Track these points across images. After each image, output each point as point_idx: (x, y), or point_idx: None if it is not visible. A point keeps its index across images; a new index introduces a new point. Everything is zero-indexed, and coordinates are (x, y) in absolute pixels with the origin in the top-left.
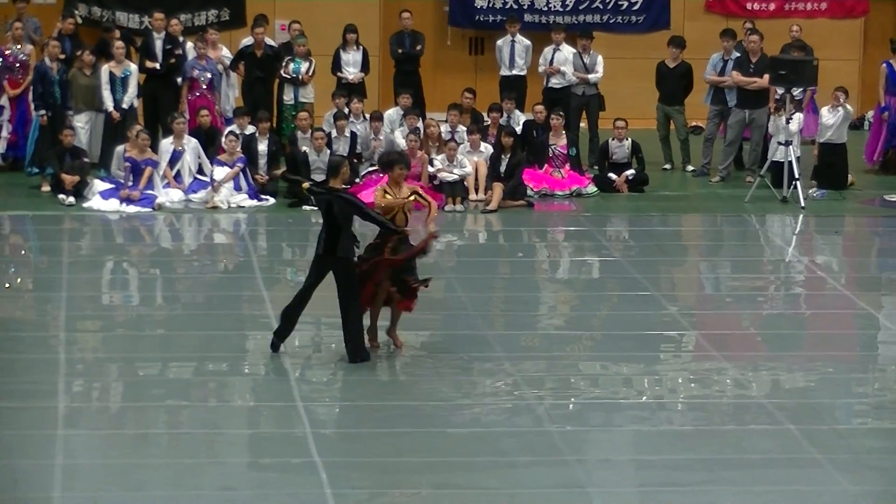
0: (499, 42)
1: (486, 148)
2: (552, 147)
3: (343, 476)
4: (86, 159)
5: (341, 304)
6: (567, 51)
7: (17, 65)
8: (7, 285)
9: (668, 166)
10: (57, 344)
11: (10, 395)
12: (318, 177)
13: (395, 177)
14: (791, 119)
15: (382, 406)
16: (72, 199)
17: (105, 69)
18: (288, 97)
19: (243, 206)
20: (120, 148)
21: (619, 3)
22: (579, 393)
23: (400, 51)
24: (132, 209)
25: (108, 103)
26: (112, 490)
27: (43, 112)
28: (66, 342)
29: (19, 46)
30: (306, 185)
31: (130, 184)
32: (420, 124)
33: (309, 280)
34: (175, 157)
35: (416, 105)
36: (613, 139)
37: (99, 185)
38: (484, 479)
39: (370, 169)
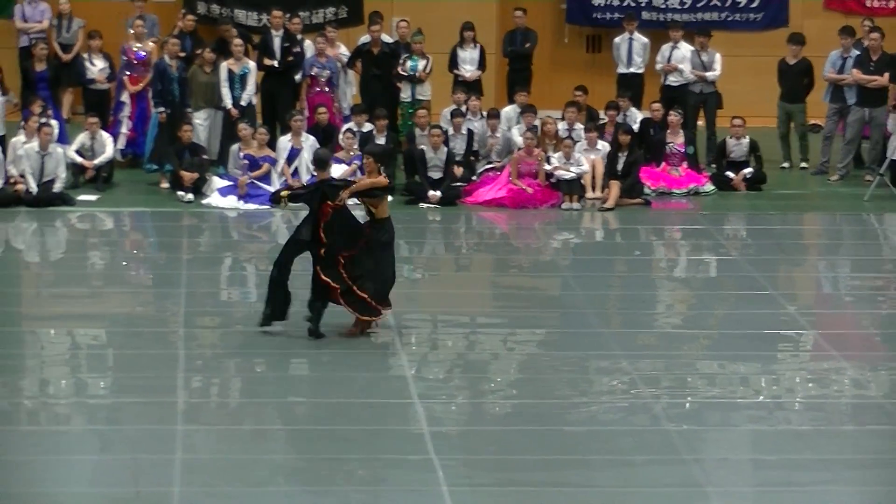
0: (616, 40)
1: (603, 146)
2: (669, 145)
3: (460, 473)
4: (204, 156)
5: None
6: (685, 48)
7: (138, 62)
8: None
9: (786, 164)
10: (176, 340)
11: (131, 391)
12: (435, 174)
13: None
14: None
15: (499, 403)
16: (190, 196)
17: (224, 66)
18: (405, 95)
19: (360, 204)
20: (234, 147)
21: (738, 1)
22: (696, 392)
23: (510, 48)
24: (250, 206)
25: (227, 101)
26: (231, 485)
27: (162, 109)
28: (185, 338)
29: (140, 44)
30: (285, 193)
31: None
32: (537, 122)
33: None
34: (293, 154)
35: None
36: (731, 137)
37: (217, 181)
38: (600, 477)
39: (487, 167)
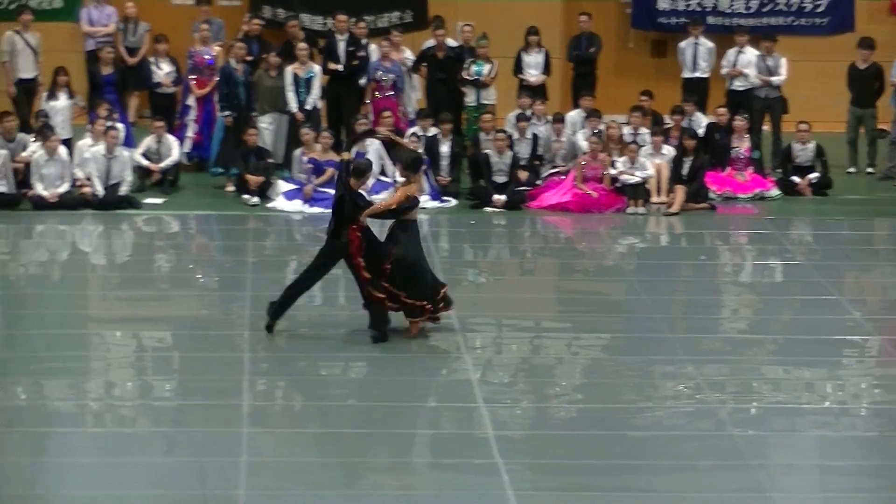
0: (681, 44)
1: (669, 150)
2: (735, 150)
3: (525, 478)
4: (270, 160)
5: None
6: (750, 53)
7: (204, 66)
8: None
9: (852, 169)
10: (241, 343)
11: (197, 393)
12: (500, 179)
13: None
14: None
15: (564, 408)
16: (256, 200)
17: (289, 71)
18: (470, 99)
19: (425, 208)
20: (297, 151)
21: (804, 5)
22: (762, 397)
23: (575, 53)
24: (315, 209)
25: (293, 104)
26: (295, 488)
27: (228, 113)
28: (250, 341)
29: (206, 48)
30: (346, 156)
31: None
32: (602, 126)
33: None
34: (357, 158)
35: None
36: (796, 142)
37: (283, 185)
38: (666, 482)
39: (552, 171)
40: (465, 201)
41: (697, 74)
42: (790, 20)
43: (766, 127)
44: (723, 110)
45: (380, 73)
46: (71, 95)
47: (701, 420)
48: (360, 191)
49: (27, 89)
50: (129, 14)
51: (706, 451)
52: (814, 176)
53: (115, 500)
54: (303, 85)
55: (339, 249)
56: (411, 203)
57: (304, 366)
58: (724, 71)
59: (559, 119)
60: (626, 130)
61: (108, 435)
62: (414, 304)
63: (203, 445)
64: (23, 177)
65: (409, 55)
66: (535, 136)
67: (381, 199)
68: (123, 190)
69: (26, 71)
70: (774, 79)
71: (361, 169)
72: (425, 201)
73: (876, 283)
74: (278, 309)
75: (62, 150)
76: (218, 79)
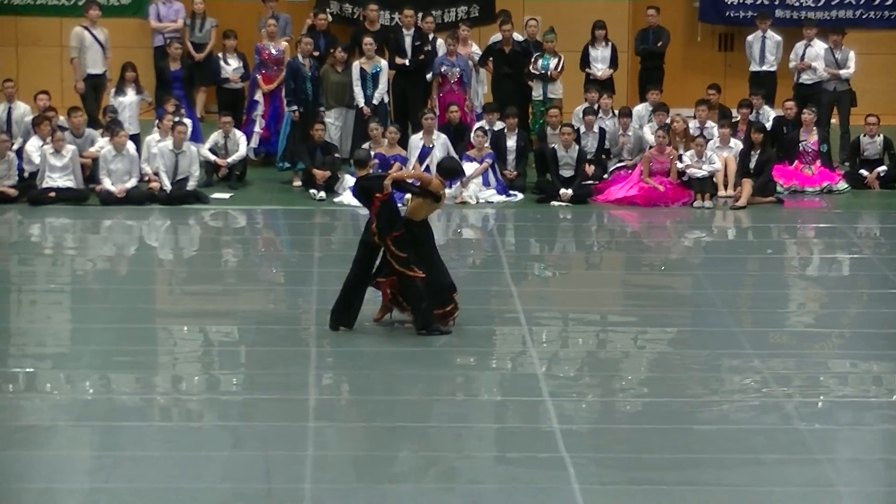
0: (749, 38)
1: (736, 144)
2: (802, 143)
3: (591, 472)
4: (337, 155)
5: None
6: (819, 46)
7: (271, 61)
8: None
9: None
10: (307, 337)
11: (264, 387)
12: (567, 173)
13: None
14: None
15: (630, 402)
16: (322, 194)
17: (356, 65)
18: (536, 93)
19: (492, 202)
20: (365, 146)
21: None
22: (828, 391)
23: (643, 47)
24: None
25: (359, 99)
26: (361, 482)
27: (295, 108)
28: (316, 336)
29: (273, 43)
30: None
31: None
32: (668, 120)
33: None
34: (424, 152)
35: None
36: (865, 135)
37: (349, 180)
38: (732, 476)
39: (618, 165)
40: (532, 196)
41: (765, 68)
42: (858, 13)
43: (834, 120)
44: (790, 104)
45: (445, 67)
46: (139, 91)
47: (767, 414)
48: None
49: (95, 85)
50: (197, 10)
51: (773, 445)
52: (882, 169)
53: (182, 494)
54: (369, 80)
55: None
56: (437, 196)
57: (370, 360)
58: (791, 64)
59: (626, 113)
60: (693, 124)
61: (176, 429)
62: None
63: (269, 439)
64: (91, 172)
65: (475, 50)
66: (601, 130)
67: (448, 193)
68: (191, 185)
69: (95, 66)
70: (843, 72)
71: (363, 160)
72: (491, 195)
73: None
74: (345, 312)
75: (130, 145)
76: (285, 74)
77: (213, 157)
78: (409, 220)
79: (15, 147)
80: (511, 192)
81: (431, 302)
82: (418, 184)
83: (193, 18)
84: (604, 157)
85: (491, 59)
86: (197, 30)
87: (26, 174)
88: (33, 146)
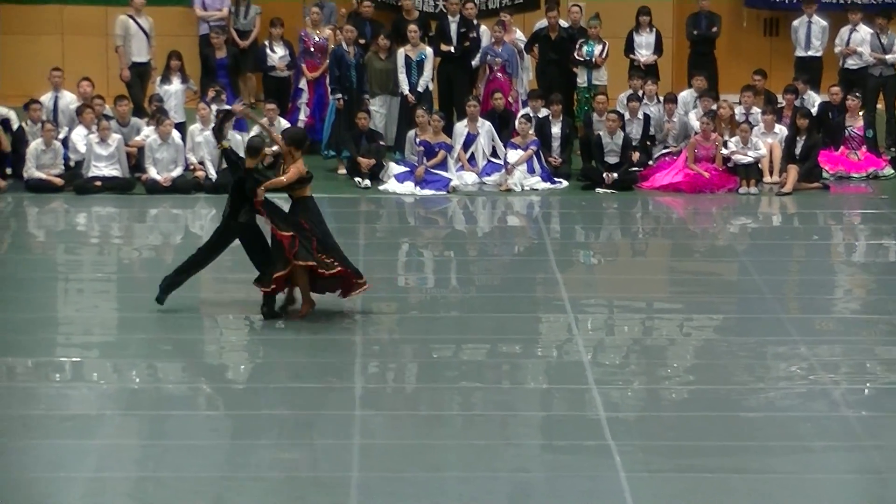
0: (795, 23)
1: (781, 130)
2: (848, 129)
3: (637, 459)
4: (381, 142)
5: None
6: (864, 31)
7: (316, 49)
8: None
9: None
10: (353, 325)
11: (310, 376)
12: (612, 159)
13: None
14: None
15: (676, 389)
16: (368, 182)
17: (401, 52)
18: (581, 80)
19: (537, 189)
20: (411, 133)
21: None
22: (875, 378)
23: (695, 32)
24: (427, 192)
25: (404, 86)
26: (408, 470)
27: (339, 96)
28: (362, 324)
29: (317, 31)
30: (226, 145)
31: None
32: (714, 106)
33: (211, 242)
34: (469, 140)
35: (710, 87)
36: None
37: (394, 167)
38: (779, 463)
39: (664, 151)
40: (577, 182)
41: (811, 53)
42: None
43: (879, 105)
44: (836, 89)
45: (490, 56)
46: (184, 79)
47: (814, 401)
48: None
49: (141, 73)
50: None
51: (820, 432)
52: None
53: (230, 482)
54: (414, 67)
55: (235, 229)
56: (305, 178)
57: (416, 348)
58: (837, 49)
59: (671, 99)
60: (738, 110)
61: (222, 417)
62: (345, 272)
63: (317, 427)
64: (136, 161)
65: (520, 36)
66: (646, 117)
67: (493, 180)
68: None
69: (140, 55)
70: (889, 56)
71: (255, 147)
72: (536, 182)
73: None
74: (169, 287)
75: (175, 134)
76: (329, 61)
77: None
78: (298, 198)
79: (61, 136)
80: (556, 179)
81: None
82: (285, 183)
83: (238, 6)
84: (649, 143)
85: (536, 45)
86: (242, 17)
87: (72, 163)
88: (79, 135)
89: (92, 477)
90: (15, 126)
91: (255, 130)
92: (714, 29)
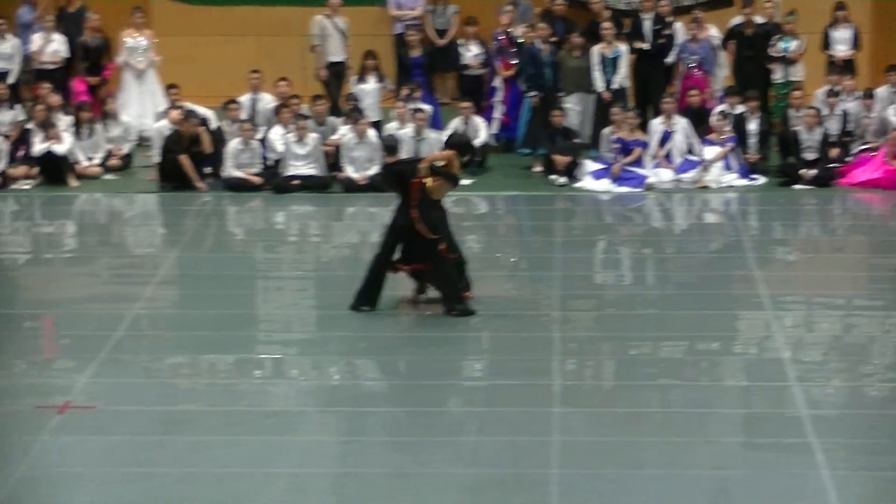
0: None
1: None
2: None
3: (840, 457)
4: (577, 140)
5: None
6: None
7: (510, 47)
8: (512, 259)
9: None
10: (550, 323)
11: (508, 373)
12: (810, 156)
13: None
14: None
15: (878, 386)
16: (563, 180)
17: (595, 50)
18: (777, 76)
19: (733, 186)
20: (606, 130)
21: None
22: None
23: None
24: (623, 189)
25: (599, 84)
26: (608, 468)
27: (534, 93)
28: (559, 321)
29: (511, 29)
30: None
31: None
32: None
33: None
34: (665, 137)
35: None
36: None
37: (590, 165)
38: None
39: (862, 147)
40: (774, 179)
41: None
42: None
43: None
44: None
45: (685, 54)
46: (380, 79)
47: None
48: None
49: (337, 73)
50: None
51: None
52: None
53: (429, 479)
54: (609, 64)
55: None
56: (456, 178)
57: (614, 345)
58: None
59: (869, 95)
60: None
61: (420, 414)
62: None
63: (516, 424)
64: (333, 160)
65: (714, 33)
66: (844, 113)
67: (689, 177)
68: None
69: (336, 54)
70: None
71: (391, 144)
72: (733, 179)
73: None
74: (369, 293)
75: (371, 132)
76: (523, 59)
77: None
78: (431, 199)
79: (259, 136)
80: (753, 175)
81: (460, 283)
82: (453, 172)
83: (436, 4)
84: (847, 139)
85: (733, 41)
86: (438, 16)
87: (270, 162)
88: (276, 134)
89: (293, 473)
90: (214, 126)
91: (451, 128)
92: None
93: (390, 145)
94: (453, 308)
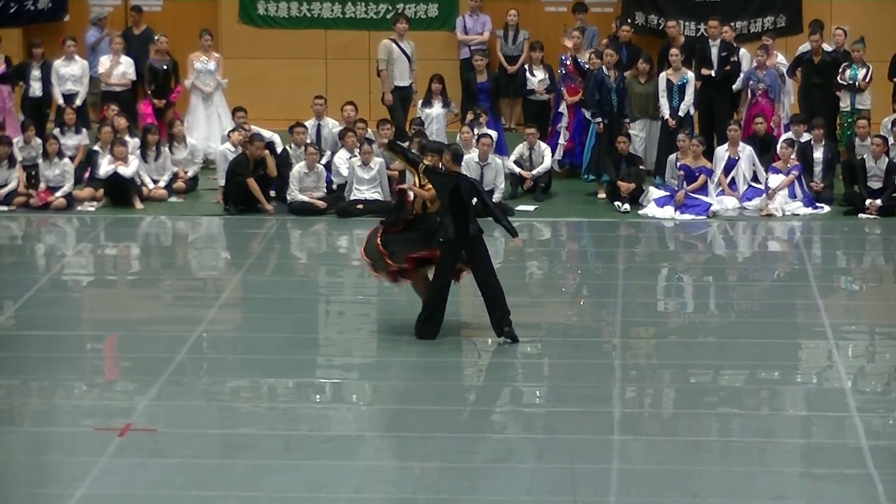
0: None
1: None
2: None
3: None
4: (642, 167)
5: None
6: None
7: (576, 73)
8: (580, 302)
9: None
10: (611, 350)
11: (569, 400)
12: (875, 184)
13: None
14: None
15: None
16: (627, 206)
17: (662, 76)
18: (844, 104)
19: (798, 214)
20: (672, 157)
21: None
22: None
23: None
24: (687, 216)
25: (665, 111)
26: (667, 496)
27: (600, 119)
28: (620, 348)
29: (578, 55)
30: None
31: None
32: None
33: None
34: (730, 164)
35: None
36: None
37: (654, 192)
38: None
39: None
40: (839, 208)
41: None
42: None
43: None
44: None
45: (752, 81)
46: (445, 103)
47: None
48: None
49: (402, 97)
50: (510, 21)
51: None
52: None
53: None
54: (676, 91)
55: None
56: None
57: (674, 373)
58: None
59: None
60: None
61: (479, 440)
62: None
63: (576, 451)
64: (398, 184)
65: (781, 60)
66: None
67: (753, 205)
68: (496, 197)
69: (402, 79)
70: None
71: (458, 154)
72: (797, 207)
73: None
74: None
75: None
76: (589, 85)
77: (517, 170)
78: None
79: (324, 160)
80: (818, 204)
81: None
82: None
83: (506, 30)
84: None
85: (800, 69)
86: (510, 41)
87: (335, 186)
88: (341, 158)
89: (351, 498)
90: (279, 149)
91: (515, 154)
92: None
93: (456, 154)
94: (502, 330)
